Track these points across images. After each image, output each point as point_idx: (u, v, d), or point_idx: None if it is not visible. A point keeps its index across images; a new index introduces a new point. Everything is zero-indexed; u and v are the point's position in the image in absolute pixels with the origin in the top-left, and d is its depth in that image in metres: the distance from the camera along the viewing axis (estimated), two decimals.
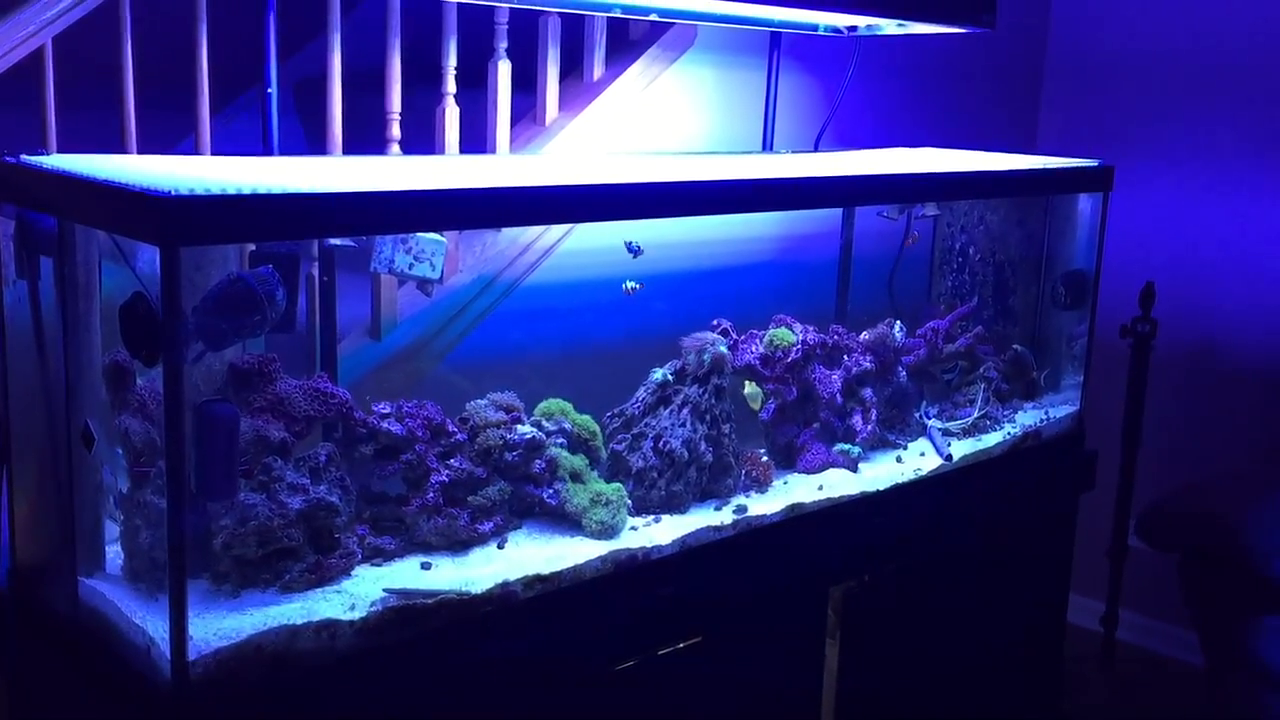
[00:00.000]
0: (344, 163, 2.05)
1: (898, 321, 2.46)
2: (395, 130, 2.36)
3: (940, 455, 2.43)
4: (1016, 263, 2.76)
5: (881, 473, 2.33)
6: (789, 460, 2.32)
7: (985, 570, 2.56)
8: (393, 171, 1.84)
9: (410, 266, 1.92)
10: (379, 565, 1.76)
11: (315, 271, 2.04)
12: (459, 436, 1.88)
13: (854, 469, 2.30)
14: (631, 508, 2.00)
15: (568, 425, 1.98)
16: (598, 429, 2.04)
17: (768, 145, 2.82)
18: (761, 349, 2.24)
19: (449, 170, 1.96)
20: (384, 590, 1.63)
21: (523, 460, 1.89)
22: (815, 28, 2.72)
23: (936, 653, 2.47)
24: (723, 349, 2.12)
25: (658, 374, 2.08)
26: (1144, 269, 3.51)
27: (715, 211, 2.21)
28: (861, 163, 2.51)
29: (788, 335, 2.25)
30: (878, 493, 2.28)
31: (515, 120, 2.62)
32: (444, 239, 1.94)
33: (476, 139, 2.53)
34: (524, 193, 1.72)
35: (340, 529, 1.68)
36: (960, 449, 2.48)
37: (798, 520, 2.14)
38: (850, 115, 3.07)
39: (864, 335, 2.42)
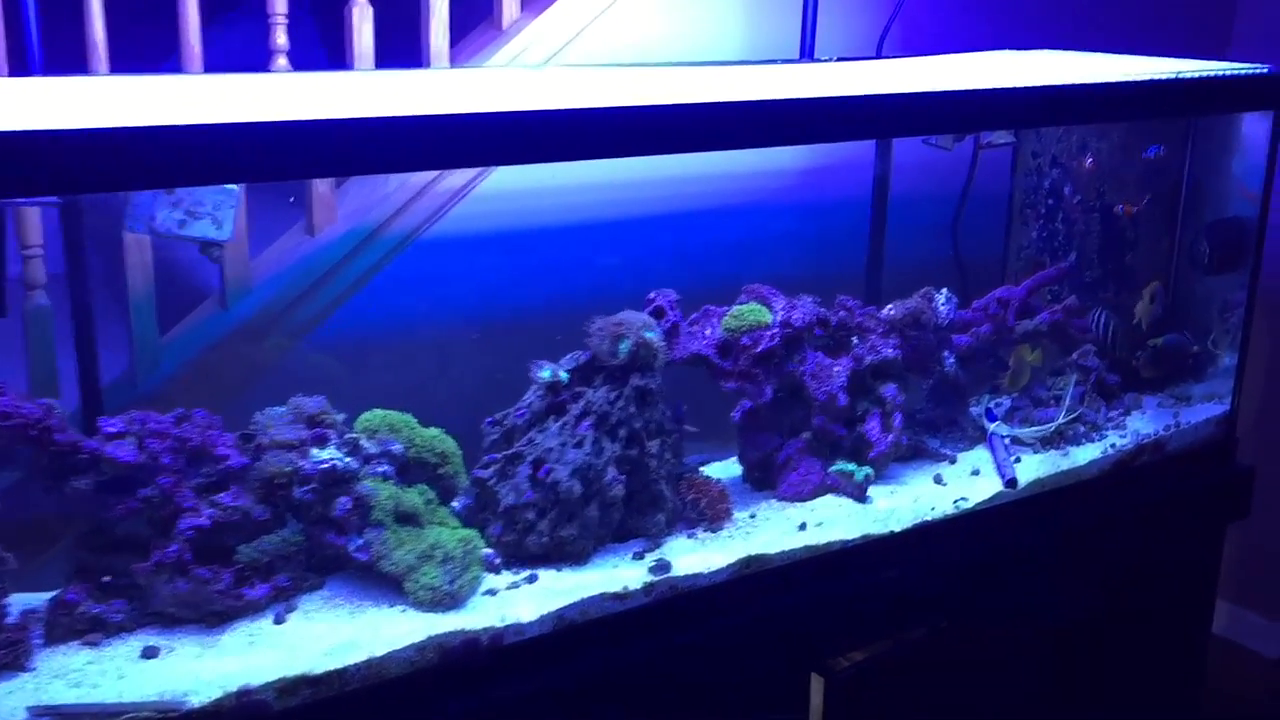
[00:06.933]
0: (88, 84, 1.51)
1: (943, 290, 1.77)
2: (281, 38, 1.82)
3: (1001, 477, 1.75)
4: (1140, 209, 1.99)
5: (904, 502, 1.68)
6: (768, 482, 1.69)
7: (1071, 643, 1.87)
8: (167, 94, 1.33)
9: (181, 225, 1.38)
10: (97, 646, 1.26)
11: None
12: (233, 462, 1.34)
13: (860, 497, 1.66)
14: (500, 561, 1.44)
15: (397, 447, 1.41)
16: (453, 449, 1.47)
17: (807, 51, 2.13)
18: (720, 333, 1.61)
19: (298, 90, 1.45)
20: (29, 709, 1.13)
21: (319, 498, 1.35)
22: None
23: None
24: (650, 336, 1.50)
25: (545, 371, 1.49)
26: None
27: (714, 146, 1.61)
28: (927, 74, 1.81)
29: (760, 314, 1.61)
30: (892, 535, 1.63)
31: (473, 24, 2.04)
32: (234, 188, 1.39)
33: (414, 49, 1.97)
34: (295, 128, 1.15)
35: None
36: (1034, 468, 1.78)
37: (757, 579, 1.52)
38: (947, 6, 2.31)
39: (889, 310, 1.74)
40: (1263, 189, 1.91)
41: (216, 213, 1.39)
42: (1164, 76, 1.79)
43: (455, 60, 1.96)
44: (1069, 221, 1.96)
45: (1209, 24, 2.85)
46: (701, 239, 1.94)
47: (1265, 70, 1.88)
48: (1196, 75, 1.82)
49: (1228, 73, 1.87)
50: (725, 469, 1.75)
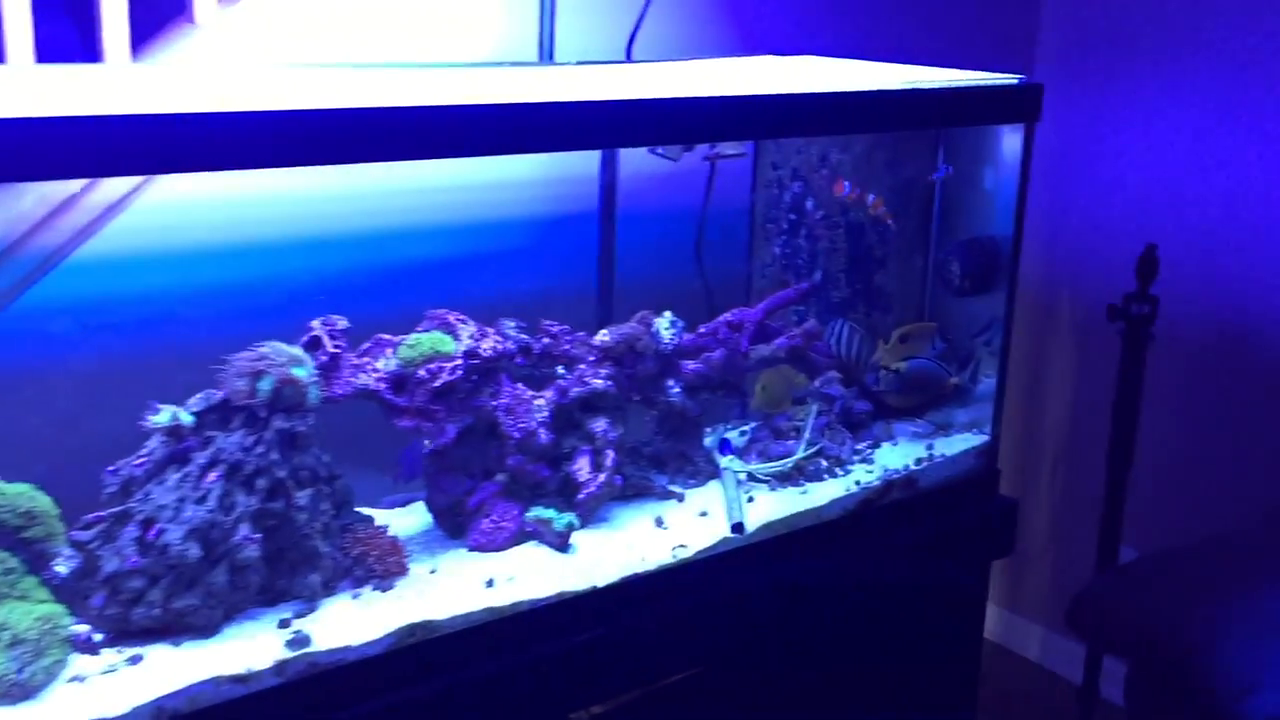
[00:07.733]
0: None
1: (666, 314, 1.60)
2: None
3: (729, 519, 1.59)
4: (890, 224, 1.86)
5: (614, 551, 1.50)
6: (461, 531, 1.50)
7: (824, 687, 1.72)
8: None
9: None
10: None
11: None
12: None
13: (561, 546, 1.48)
14: (101, 640, 1.21)
15: None
16: (45, 507, 1.24)
17: (546, 53, 1.96)
18: (395, 366, 1.41)
19: None
20: None
21: None
22: None
23: None
24: (298, 372, 1.30)
25: (163, 414, 1.27)
26: (1146, 229, 2.56)
27: (417, 156, 1.40)
28: (661, 79, 1.65)
29: (441, 342, 1.42)
30: (594, 591, 1.45)
31: (167, 19, 1.81)
32: None
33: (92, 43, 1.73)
34: None
35: None
36: (769, 508, 1.63)
37: (422, 650, 1.32)
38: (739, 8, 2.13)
39: (602, 336, 1.57)
40: (1017, 203, 1.79)
41: None
42: (906, 86, 1.66)
43: (141, 55, 1.74)
44: (813, 238, 1.82)
45: (1014, 37, 2.77)
46: (408, 258, 1.75)
47: (1016, 81, 1.77)
48: (944, 86, 1.70)
49: (978, 83, 1.75)
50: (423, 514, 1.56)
